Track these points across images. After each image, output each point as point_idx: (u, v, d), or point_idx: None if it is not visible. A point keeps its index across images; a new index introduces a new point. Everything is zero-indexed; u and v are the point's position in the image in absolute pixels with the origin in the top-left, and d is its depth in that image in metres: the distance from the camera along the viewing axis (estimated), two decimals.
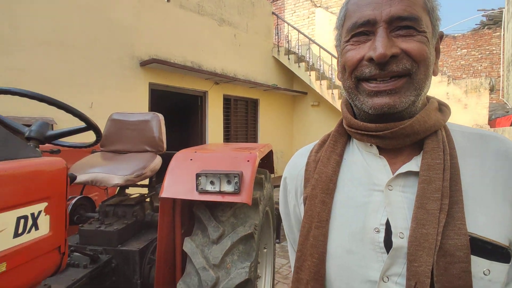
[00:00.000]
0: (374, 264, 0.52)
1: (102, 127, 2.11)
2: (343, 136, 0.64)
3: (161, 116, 2.19)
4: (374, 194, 0.55)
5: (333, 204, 0.58)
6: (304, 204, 0.61)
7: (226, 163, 1.54)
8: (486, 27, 11.02)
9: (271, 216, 2.40)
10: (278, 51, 8.19)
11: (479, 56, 10.93)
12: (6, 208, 0.97)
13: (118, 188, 2.17)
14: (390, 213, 0.53)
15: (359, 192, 0.57)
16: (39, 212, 1.09)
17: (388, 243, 0.52)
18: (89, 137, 1.91)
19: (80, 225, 1.85)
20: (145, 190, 2.36)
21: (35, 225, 1.08)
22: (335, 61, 7.56)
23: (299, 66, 7.90)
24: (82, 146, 1.58)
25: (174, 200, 1.65)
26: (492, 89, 6.69)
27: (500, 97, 9.70)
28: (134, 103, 4.94)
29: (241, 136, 7.42)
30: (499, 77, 10.18)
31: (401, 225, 0.52)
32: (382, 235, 0.52)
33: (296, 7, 9.98)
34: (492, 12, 10.99)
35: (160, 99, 6.00)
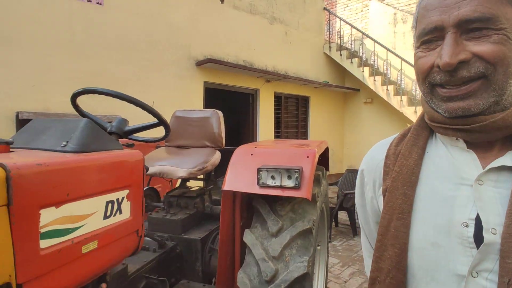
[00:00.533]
0: (462, 258, 0.52)
1: None
2: (424, 129, 0.63)
3: (220, 113, 2.30)
4: (461, 189, 0.54)
5: (415, 196, 0.58)
6: (384, 196, 0.62)
7: (286, 159, 1.57)
8: None
9: (326, 214, 2.38)
10: (330, 47, 8.01)
11: None
12: (98, 193, 1.11)
13: (180, 180, 2.32)
14: (481, 208, 0.52)
15: (445, 185, 0.56)
16: (123, 198, 1.23)
17: (478, 238, 0.51)
18: (154, 133, 2.08)
19: (148, 213, 2.03)
20: (201, 184, 2.49)
21: (119, 209, 1.21)
22: (390, 56, 7.20)
23: (351, 62, 7.65)
24: (153, 140, 1.73)
25: (234, 193, 1.73)
26: None
27: None
28: (190, 101, 5.21)
29: (291, 133, 7.41)
30: None
31: (493, 221, 0.50)
32: (471, 229, 0.52)
33: (349, 1, 9.65)
34: None
35: (214, 97, 6.24)
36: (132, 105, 1.51)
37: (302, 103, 7.69)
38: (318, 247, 2.51)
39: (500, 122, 0.52)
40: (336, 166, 8.13)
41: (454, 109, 0.53)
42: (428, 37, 0.53)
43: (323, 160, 2.39)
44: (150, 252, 1.76)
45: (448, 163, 0.58)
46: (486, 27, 0.49)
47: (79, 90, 1.48)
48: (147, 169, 1.71)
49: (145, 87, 4.65)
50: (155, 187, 2.55)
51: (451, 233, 0.53)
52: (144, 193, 2.27)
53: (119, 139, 1.57)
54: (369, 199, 0.69)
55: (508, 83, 0.51)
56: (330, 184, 4.61)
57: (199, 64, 5.22)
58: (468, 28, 0.50)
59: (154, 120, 1.63)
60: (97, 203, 1.11)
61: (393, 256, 0.57)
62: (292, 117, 7.46)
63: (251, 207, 1.72)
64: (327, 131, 8.20)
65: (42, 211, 0.91)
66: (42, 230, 0.91)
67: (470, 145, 0.57)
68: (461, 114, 0.52)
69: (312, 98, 7.76)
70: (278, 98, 6.97)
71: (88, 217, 1.07)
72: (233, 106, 6.94)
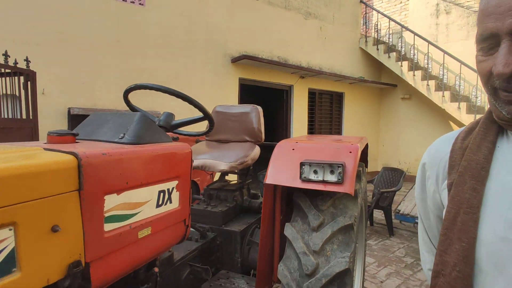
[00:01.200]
0: None
1: None
2: (494, 123, 0.62)
3: (260, 109, 2.33)
4: None
5: (485, 191, 0.57)
6: (448, 190, 0.61)
7: (328, 154, 1.57)
8: None
9: (364, 211, 2.34)
10: (366, 41, 7.77)
11: None
12: (152, 182, 1.18)
13: (220, 174, 2.39)
14: None
15: None
16: (172, 189, 1.30)
17: None
18: (193, 128, 2.15)
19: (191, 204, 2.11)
20: (239, 178, 2.54)
21: (169, 199, 1.28)
22: (432, 49, 6.85)
23: (389, 57, 7.37)
24: (198, 134, 1.79)
25: (275, 187, 1.75)
26: None
27: None
28: (226, 97, 5.31)
29: (325, 130, 7.31)
30: None
31: None
32: None
33: None
34: None
35: (249, 93, 6.31)
36: (169, 101, 1.59)
37: (336, 99, 7.55)
38: (356, 245, 2.48)
39: None
40: (371, 164, 7.91)
41: None
42: (485, 44, 0.54)
43: (363, 156, 2.35)
44: (193, 241, 1.84)
45: None
46: None
47: (131, 86, 1.57)
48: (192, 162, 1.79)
49: (184, 83, 4.81)
50: (194, 180, 2.64)
51: None
52: None
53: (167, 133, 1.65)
54: (431, 193, 0.69)
55: None
56: (369, 181, 4.51)
57: (235, 60, 5.30)
58: None
59: (199, 115, 1.69)
60: (151, 192, 1.18)
61: (460, 250, 0.57)
62: (326, 113, 7.35)
63: (291, 201, 1.73)
64: (362, 128, 7.99)
65: (106, 197, 0.99)
66: (106, 215, 1.00)
67: None
68: None
69: (346, 94, 7.59)
70: (312, 94, 6.89)
71: (143, 204, 1.14)
72: (267, 102, 6.97)
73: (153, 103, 4.40)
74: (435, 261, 0.61)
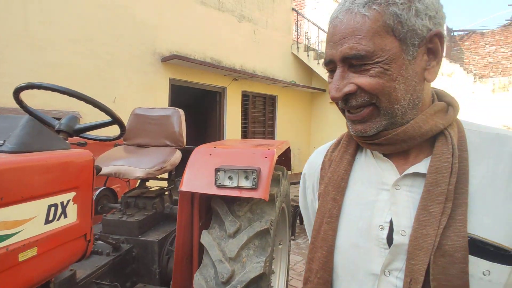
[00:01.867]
0: (377, 258, 0.55)
1: (124, 121, 2.19)
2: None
3: (181, 112, 2.25)
4: (382, 193, 0.58)
5: (343, 201, 0.61)
6: (319, 201, 0.65)
7: (245, 159, 1.57)
8: None
9: (287, 213, 2.42)
10: (298, 47, 8.14)
11: (509, 53, 10.45)
12: (39, 196, 1.04)
13: (139, 180, 2.25)
14: (395, 212, 0.55)
15: (368, 190, 0.60)
16: (68, 201, 1.16)
17: (390, 240, 0.54)
18: (113, 131, 1.99)
19: (103, 215, 1.94)
20: (164, 184, 2.43)
21: (64, 213, 1.14)
22: None
23: (318, 63, 7.83)
24: (108, 139, 1.65)
25: (193, 194, 1.70)
26: None
27: None
28: (155, 98, 5.06)
29: (259, 132, 7.45)
30: None
31: (404, 224, 0.54)
32: (386, 232, 0.55)
33: (317, 3, 9.86)
34: None
35: (180, 94, 6.11)
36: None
37: (270, 102, 7.75)
38: (280, 246, 2.54)
39: (401, 135, 0.56)
40: (302, 165, 8.28)
41: (355, 130, 0.58)
42: (328, 67, 0.58)
43: (285, 160, 2.42)
44: (103, 256, 1.69)
45: (374, 169, 0.61)
46: (363, 62, 0.52)
47: (23, 85, 1.38)
48: (100, 170, 1.63)
49: (107, 82, 4.44)
50: (113, 187, 2.44)
51: (369, 235, 0.57)
52: (100, 194, 2.19)
53: (70, 138, 1.49)
54: (310, 202, 0.73)
55: (394, 108, 0.54)
56: (296, 183, 4.69)
57: (165, 60, 5.09)
58: (351, 62, 0.53)
59: (108, 118, 1.55)
60: (38, 207, 1.04)
61: (321, 257, 0.61)
62: (260, 116, 7.49)
63: (211, 208, 1.70)
64: (294, 131, 8.33)
65: None
66: None
67: (389, 155, 0.60)
68: (361, 135, 0.58)
69: (279, 98, 7.84)
70: (245, 96, 6.96)
71: (26, 222, 1.00)
72: (200, 104, 6.85)
73: (72, 104, 3.98)
74: (305, 268, 0.65)
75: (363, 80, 0.53)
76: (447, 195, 0.51)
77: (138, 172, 1.82)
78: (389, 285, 0.54)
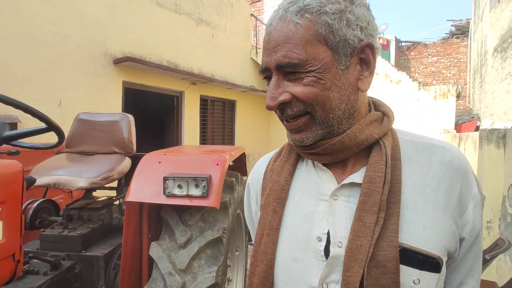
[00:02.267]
0: (315, 271, 0.54)
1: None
2: None
3: (131, 117, 2.14)
4: (320, 204, 0.57)
5: (284, 213, 0.59)
6: (260, 212, 0.63)
7: (195, 167, 1.52)
8: (454, 37, 11.58)
9: (243, 218, 2.39)
10: (256, 52, 8.22)
11: (448, 63, 11.45)
12: None
13: (84, 191, 2.09)
14: (332, 223, 0.55)
15: (308, 201, 0.59)
16: None
17: (328, 252, 0.54)
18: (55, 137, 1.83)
19: (41, 230, 1.77)
20: (113, 193, 2.29)
21: None
22: None
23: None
24: (43, 147, 1.51)
25: (141, 204, 1.61)
26: (458, 96, 7.04)
27: (467, 104, 10.21)
28: (107, 102, 4.79)
29: (218, 137, 7.38)
30: (466, 84, 10.71)
31: (340, 235, 0.54)
32: (323, 243, 0.55)
33: (275, 9, 10.05)
34: (460, 23, 11.56)
35: (135, 98, 5.86)
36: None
37: (229, 107, 7.72)
38: (236, 253, 2.51)
39: (338, 144, 0.56)
40: None
41: (293, 140, 0.58)
42: (264, 75, 0.57)
43: (240, 165, 2.40)
44: (40, 275, 1.53)
45: (314, 179, 0.60)
46: (297, 71, 0.52)
47: None
48: (33, 181, 1.49)
49: (51, 84, 4.11)
50: (55, 198, 2.25)
51: (308, 247, 0.56)
52: (38, 207, 2.00)
53: None
54: (254, 212, 0.71)
55: (329, 117, 0.54)
56: None
57: (117, 62, 4.84)
58: (286, 71, 0.53)
59: (43, 125, 1.42)
60: None
61: (261, 272, 0.58)
62: (219, 121, 7.43)
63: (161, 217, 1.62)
64: (253, 135, 8.37)
65: None
66: None
67: (328, 164, 0.60)
68: (299, 144, 0.57)
69: (238, 102, 7.84)
70: (204, 101, 6.86)
71: None
72: (157, 108, 6.63)
73: (10, 108, 3.63)
74: (247, 283, 0.63)
75: (297, 89, 0.52)
76: (380, 205, 0.51)
77: (81, 182, 1.69)
78: None
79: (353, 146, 0.56)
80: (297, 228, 0.57)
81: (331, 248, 0.53)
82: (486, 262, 1.45)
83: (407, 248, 0.50)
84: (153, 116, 6.62)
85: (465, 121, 7.33)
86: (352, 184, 0.56)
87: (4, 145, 1.43)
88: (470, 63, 10.59)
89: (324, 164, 0.60)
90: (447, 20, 12.44)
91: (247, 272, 0.64)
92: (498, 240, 1.59)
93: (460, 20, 11.64)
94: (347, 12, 0.52)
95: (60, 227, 1.82)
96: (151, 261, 1.56)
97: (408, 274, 0.50)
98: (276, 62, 0.52)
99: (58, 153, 2.25)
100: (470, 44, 10.51)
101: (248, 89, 7.56)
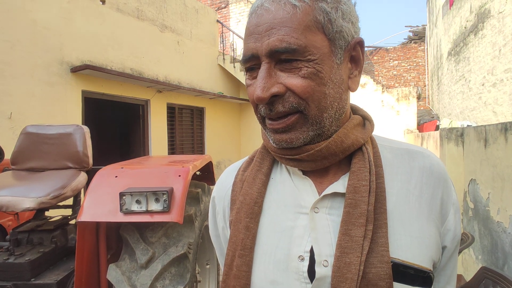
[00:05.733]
0: None
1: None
2: (269, 153, 0.58)
3: (86, 128, 1.98)
4: (300, 218, 0.50)
5: (258, 229, 0.52)
6: (230, 229, 0.55)
7: (155, 180, 1.42)
8: (412, 42, 12.24)
9: None
10: (224, 59, 8.16)
11: (408, 67, 12.06)
12: None
13: (35, 211, 1.91)
14: (315, 239, 0.48)
15: (285, 215, 0.52)
16: None
17: (312, 273, 0.47)
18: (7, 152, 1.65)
19: None
20: (69, 211, 2.11)
21: None
22: None
23: (244, 74, 7.94)
24: None
25: (98, 223, 1.48)
26: (419, 97, 7.39)
27: (427, 104, 10.77)
28: (65, 113, 4.50)
29: (187, 146, 7.19)
30: (425, 86, 11.32)
31: (325, 252, 0.47)
32: (306, 263, 0.48)
33: (241, 16, 10.10)
34: (417, 28, 12.24)
35: (96, 108, 5.58)
36: None
37: (198, 114, 7.58)
38: (207, 266, 2.40)
39: (324, 151, 0.50)
40: None
41: (279, 141, 0.50)
42: (248, 64, 0.50)
43: (208, 175, 2.31)
44: None
45: (290, 190, 0.54)
46: (295, 58, 0.46)
47: None
48: None
49: None
50: (1, 221, 2.04)
51: (288, 268, 0.49)
52: None
53: None
54: (221, 229, 0.62)
55: (323, 117, 0.49)
56: None
57: (75, 70, 4.58)
58: (280, 58, 0.46)
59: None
60: None
61: None
62: (188, 129, 7.26)
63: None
64: (224, 143, 8.27)
65: None
66: None
67: (307, 172, 0.54)
68: (286, 146, 0.50)
69: (207, 109, 7.72)
70: (171, 109, 6.68)
71: None
72: (121, 118, 6.35)
73: None
74: None
75: (294, 81, 0.46)
76: (368, 216, 0.46)
77: (27, 202, 1.53)
78: None
79: (339, 152, 0.50)
80: (274, 247, 0.50)
81: (317, 269, 0.46)
82: None
83: (398, 263, 0.46)
84: (117, 126, 6.34)
85: (426, 121, 7.71)
86: (334, 194, 0.50)
87: None
88: (427, 66, 11.22)
89: (303, 173, 0.53)
90: (405, 26, 13.15)
91: (219, 286, 0.55)
92: (462, 235, 1.63)
93: (417, 26, 12.34)
94: (342, 3, 0.49)
95: (6, 253, 1.63)
96: (110, 285, 1.43)
97: None
98: (269, 47, 0.45)
99: (4, 170, 2.04)
100: (427, 49, 11.14)
101: (216, 95, 7.47)
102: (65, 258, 1.80)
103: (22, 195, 1.56)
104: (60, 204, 1.93)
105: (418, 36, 12.11)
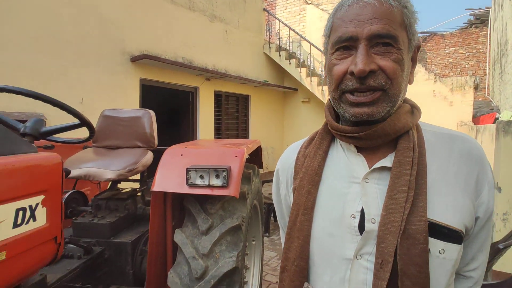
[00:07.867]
0: (350, 244, 0.61)
1: (92, 122, 2.16)
2: (328, 134, 0.72)
3: (152, 113, 2.25)
4: (353, 186, 0.64)
5: (318, 194, 0.66)
6: (294, 194, 0.70)
7: (215, 159, 1.61)
8: (473, 26, 11.23)
9: (259, 209, 2.48)
10: (269, 47, 8.24)
11: (466, 54, 11.14)
12: (6, 200, 1.03)
13: (111, 182, 2.23)
14: (365, 202, 0.61)
15: (340, 184, 0.65)
16: (37, 205, 1.16)
17: (361, 227, 0.61)
18: (82, 133, 1.96)
19: (73, 218, 1.91)
20: (136, 185, 2.42)
21: (33, 216, 1.14)
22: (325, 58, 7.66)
23: (290, 63, 7.98)
24: (76, 142, 1.64)
25: (165, 194, 1.72)
26: (476, 87, 6.87)
27: (486, 95, 9.95)
28: (125, 99, 4.96)
29: (232, 132, 7.48)
30: (485, 75, 10.42)
31: (373, 212, 0.60)
32: (357, 220, 0.61)
33: (288, 4, 10.02)
34: (480, 12, 11.20)
35: (151, 94, 6.02)
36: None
37: (243, 101, 7.81)
38: (253, 242, 2.60)
39: (380, 131, 0.62)
40: (276, 163, 8.41)
41: (360, 114, 0.60)
42: (344, 44, 0.60)
43: (257, 158, 2.49)
44: (74, 259, 1.67)
45: (345, 164, 0.67)
46: (391, 44, 0.58)
47: None
48: (69, 172, 1.62)
49: (73, 82, 4.30)
50: (83, 190, 2.40)
51: (342, 224, 0.62)
52: (69, 198, 2.15)
53: (36, 141, 1.46)
54: (283, 196, 0.78)
55: (398, 97, 0.61)
56: (269, 181, 4.78)
57: (135, 59, 4.99)
58: (377, 42, 0.58)
59: (76, 121, 1.54)
60: (5, 211, 1.03)
61: (298, 247, 0.65)
62: (233, 115, 7.53)
63: (183, 207, 1.72)
64: (267, 129, 8.44)
65: None
66: None
67: (361, 150, 0.66)
68: (366, 118, 0.60)
69: (252, 97, 7.91)
70: (218, 96, 6.97)
71: None
72: (172, 104, 6.77)
73: (36, 106, 3.83)
74: (282, 258, 0.70)
75: (387, 63, 0.57)
76: (409, 185, 0.58)
77: (109, 174, 1.82)
78: (361, 267, 0.59)
79: (391, 133, 0.62)
80: (331, 208, 0.64)
81: (366, 224, 0.60)
82: (499, 252, 1.49)
83: (434, 223, 0.57)
84: (169, 111, 6.78)
85: (483, 113, 7.17)
86: (382, 168, 0.62)
87: (40, 140, 1.56)
88: (489, 53, 10.29)
89: (357, 150, 0.66)
90: (466, 9, 12.09)
91: (284, 249, 0.72)
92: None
93: (480, 9, 11.28)
94: (414, 14, 0.62)
95: (90, 216, 1.95)
96: (175, 247, 1.67)
97: (435, 245, 0.57)
98: (372, 31, 0.57)
99: (84, 148, 2.39)
100: (490, 34, 10.20)
101: (261, 83, 7.62)
102: (135, 223, 2.10)
103: (105, 167, 1.86)
104: (130, 178, 2.23)
105: (480, 20, 11.08)
